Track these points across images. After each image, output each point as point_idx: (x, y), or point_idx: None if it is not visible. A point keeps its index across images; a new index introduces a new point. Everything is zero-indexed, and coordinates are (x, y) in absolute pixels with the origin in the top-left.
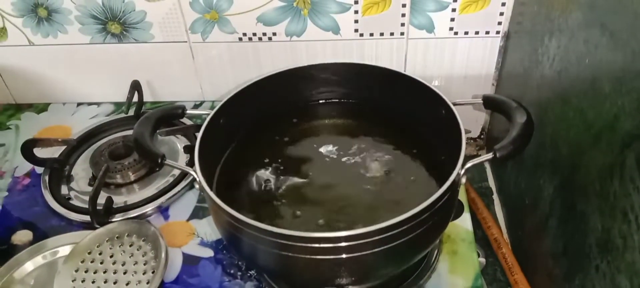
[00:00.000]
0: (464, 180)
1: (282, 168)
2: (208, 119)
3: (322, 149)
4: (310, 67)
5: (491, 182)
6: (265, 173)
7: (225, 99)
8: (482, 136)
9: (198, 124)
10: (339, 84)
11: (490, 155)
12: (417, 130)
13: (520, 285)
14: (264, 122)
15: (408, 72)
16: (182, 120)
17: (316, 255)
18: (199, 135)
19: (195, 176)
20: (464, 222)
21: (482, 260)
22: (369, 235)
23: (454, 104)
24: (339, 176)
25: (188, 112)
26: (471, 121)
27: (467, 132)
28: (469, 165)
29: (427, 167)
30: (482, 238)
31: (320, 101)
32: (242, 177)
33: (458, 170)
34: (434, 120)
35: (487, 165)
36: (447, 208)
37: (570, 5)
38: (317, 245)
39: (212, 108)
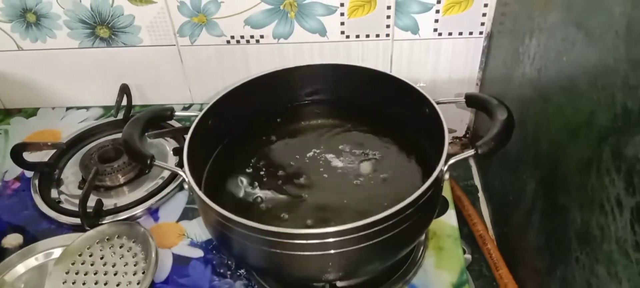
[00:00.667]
0: (447, 176)
1: (270, 168)
2: (196, 120)
3: (310, 149)
4: (297, 69)
5: (477, 180)
6: (253, 174)
7: (213, 101)
8: (467, 135)
9: (187, 126)
10: (326, 85)
11: (472, 152)
12: (402, 129)
13: (505, 279)
14: (251, 123)
15: (394, 73)
16: (170, 122)
17: (304, 252)
18: (188, 136)
19: (185, 176)
20: (449, 218)
21: (468, 256)
22: (356, 231)
23: (438, 103)
24: (326, 175)
25: (177, 113)
26: (456, 121)
27: (452, 131)
28: (452, 161)
29: (413, 165)
30: (468, 235)
31: (307, 101)
32: (230, 177)
33: (441, 166)
34: (418, 119)
35: (473, 164)
36: (431, 204)
37: (548, 5)
38: (305, 241)
39: (200, 110)
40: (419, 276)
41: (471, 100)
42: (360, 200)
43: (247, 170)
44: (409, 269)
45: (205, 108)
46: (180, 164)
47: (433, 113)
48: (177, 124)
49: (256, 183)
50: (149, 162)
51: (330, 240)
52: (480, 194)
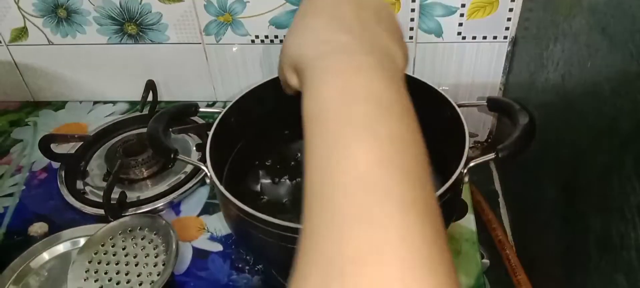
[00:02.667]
0: (466, 179)
1: (290, 164)
2: (219, 117)
3: None
4: None
5: (497, 185)
6: (273, 169)
7: (236, 98)
8: (489, 140)
9: (209, 123)
10: None
11: (492, 155)
12: (423, 131)
13: (523, 285)
14: (273, 119)
15: (416, 75)
16: (194, 118)
17: None
18: (211, 132)
19: (207, 171)
20: (468, 222)
21: (486, 261)
22: None
23: (459, 105)
24: None
25: (201, 110)
26: (478, 125)
27: (473, 135)
28: (471, 164)
29: (433, 167)
30: (487, 240)
31: None
32: (251, 172)
33: (461, 169)
34: (439, 122)
35: (494, 169)
36: (450, 207)
37: (573, 11)
38: None
39: (224, 107)
40: None
41: (493, 104)
42: None
43: (268, 165)
44: None
45: (228, 105)
46: (202, 159)
47: (454, 115)
48: (200, 120)
49: (276, 179)
50: (172, 155)
51: None
52: (501, 199)
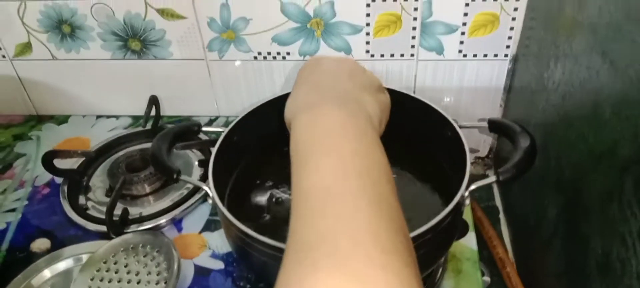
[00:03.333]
0: (468, 201)
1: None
2: (222, 136)
3: None
4: None
5: (498, 202)
6: (275, 190)
7: (239, 117)
8: (489, 156)
9: (213, 139)
10: None
11: (493, 178)
12: (423, 150)
13: None
14: (275, 138)
15: (417, 92)
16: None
17: None
18: (213, 152)
19: (209, 191)
20: (469, 241)
21: (487, 278)
22: None
23: (460, 127)
24: None
25: (203, 129)
26: (479, 140)
27: (474, 151)
28: (473, 187)
29: (434, 187)
30: (487, 257)
31: None
32: (253, 192)
33: (462, 192)
34: (440, 141)
35: (494, 185)
36: (451, 229)
37: (574, 32)
38: None
39: (226, 124)
40: None
41: (494, 126)
42: None
43: (270, 186)
44: None
45: (231, 124)
46: (205, 177)
47: (455, 136)
48: (203, 137)
49: (279, 198)
50: (175, 176)
51: None
52: (501, 216)
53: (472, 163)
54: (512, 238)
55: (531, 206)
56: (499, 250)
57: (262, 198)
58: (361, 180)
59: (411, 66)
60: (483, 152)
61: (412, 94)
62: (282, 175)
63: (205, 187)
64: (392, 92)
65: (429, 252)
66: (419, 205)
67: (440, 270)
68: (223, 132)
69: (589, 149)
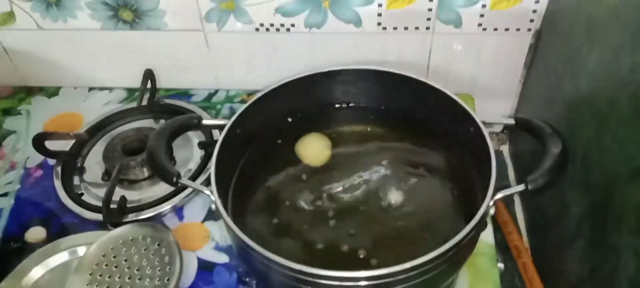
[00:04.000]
0: (492, 211)
1: (302, 178)
2: (225, 130)
3: (340, 158)
4: (329, 73)
5: (512, 181)
6: (282, 186)
7: (242, 108)
8: (504, 131)
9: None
10: (359, 90)
11: (521, 187)
12: (442, 143)
13: None
14: (281, 127)
15: (431, 68)
16: (198, 113)
17: None
18: (215, 152)
19: (212, 197)
20: (486, 235)
21: (501, 265)
22: (391, 276)
23: (484, 123)
24: (361, 192)
25: (204, 122)
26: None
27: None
28: (498, 196)
29: (454, 186)
30: (501, 242)
31: (339, 107)
32: (259, 188)
33: (488, 202)
34: (461, 136)
35: (509, 162)
36: (473, 241)
37: (614, 22)
38: (335, 282)
39: (227, 99)
40: None
41: (522, 125)
42: (398, 226)
43: (276, 181)
44: None
45: (234, 117)
46: (206, 160)
47: (478, 134)
48: (204, 113)
49: (285, 197)
50: (174, 179)
51: (363, 283)
52: (516, 197)
53: None
54: (527, 224)
55: (551, 197)
56: (514, 237)
57: (268, 197)
58: None
59: (426, 40)
60: (498, 127)
61: (435, 85)
62: (290, 170)
63: (207, 192)
64: (408, 80)
65: (449, 267)
66: (434, 205)
67: None
68: (226, 125)
69: (627, 157)
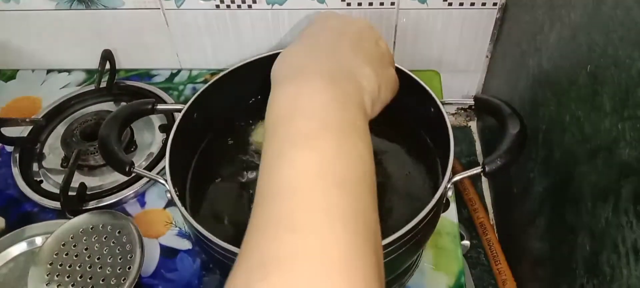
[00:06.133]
0: (450, 193)
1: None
2: (180, 116)
3: None
4: None
5: (479, 157)
6: (244, 172)
7: (198, 92)
8: (472, 107)
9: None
10: None
11: (478, 169)
12: (405, 123)
13: (503, 274)
14: (242, 111)
15: (397, 44)
16: (159, 94)
17: None
18: (170, 139)
19: (167, 186)
20: (450, 215)
21: (466, 242)
22: None
23: (444, 103)
24: None
25: (158, 107)
26: (462, 91)
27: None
28: (456, 178)
29: (417, 162)
30: (467, 219)
31: None
32: (218, 175)
33: (445, 185)
34: (422, 116)
35: (477, 138)
36: (433, 220)
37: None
38: None
39: (190, 79)
40: (415, 278)
41: (480, 104)
42: None
43: (238, 167)
44: (406, 270)
45: (190, 101)
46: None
47: (438, 114)
48: (165, 95)
49: (249, 180)
50: (127, 169)
51: None
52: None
53: (453, 114)
54: (493, 201)
55: (515, 174)
56: (480, 214)
57: (229, 184)
58: (340, 191)
59: (391, 16)
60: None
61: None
62: (251, 155)
63: (162, 181)
64: None
65: (410, 248)
66: (402, 183)
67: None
68: (182, 109)
69: (584, 137)
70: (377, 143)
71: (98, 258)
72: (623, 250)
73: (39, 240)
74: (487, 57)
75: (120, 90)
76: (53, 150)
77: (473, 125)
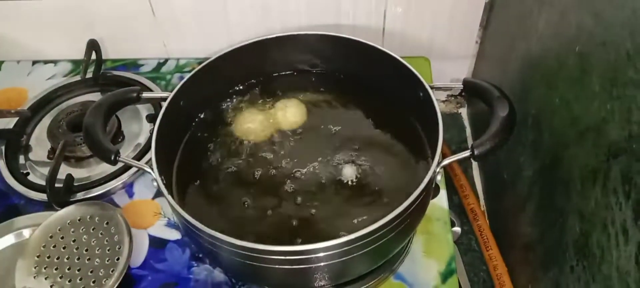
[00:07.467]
0: (439, 177)
1: (249, 150)
2: (165, 105)
3: (292, 129)
4: (279, 39)
5: (470, 143)
6: (231, 160)
7: (184, 79)
8: (462, 94)
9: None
10: (312, 55)
11: (467, 153)
12: (395, 108)
13: (494, 260)
14: (228, 98)
15: (387, 30)
16: (146, 84)
17: (283, 266)
18: (155, 128)
19: (153, 175)
20: (440, 200)
21: (457, 229)
22: (339, 246)
23: (433, 88)
24: (311, 159)
25: (144, 95)
26: (452, 76)
27: (447, 89)
28: (445, 162)
29: (407, 152)
30: (458, 205)
31: (289, 73)
32: (204, 163)
33: (434, 169)
34: (411, 100)
35: (467, 124)
36: (423, 204)
37: None
38: (283, 257)
39: (177, 68)
40: (406, 264)
41: (469, 88)
42: (349, 192)
43: (225, 154)
44: (396, 257)
45: (176, 89)
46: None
47: (427, 98)
48: (152, 85)
49: (235, 171)
50: (113, 157)
51: (311, 256)
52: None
53: (443, 102)
54: (484, 188)
55: (505, 159)
56: (470, 200)
57: (216, 172)
58: None
59: (380, 2)
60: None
61: (383, 49)
62: (237, 143)
63: (148, 169)
64: (360, 45)
65: (400, 233)
66: (392, 168)
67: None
68: (167, 97)
69: (573, 119)
70: (368, 130)
71: (86, 250)
72: (612, 231)
73: (26, 233)
74: (476, 42)
75: (106, 81)
76: (39, 142)
77: (463, 112)
